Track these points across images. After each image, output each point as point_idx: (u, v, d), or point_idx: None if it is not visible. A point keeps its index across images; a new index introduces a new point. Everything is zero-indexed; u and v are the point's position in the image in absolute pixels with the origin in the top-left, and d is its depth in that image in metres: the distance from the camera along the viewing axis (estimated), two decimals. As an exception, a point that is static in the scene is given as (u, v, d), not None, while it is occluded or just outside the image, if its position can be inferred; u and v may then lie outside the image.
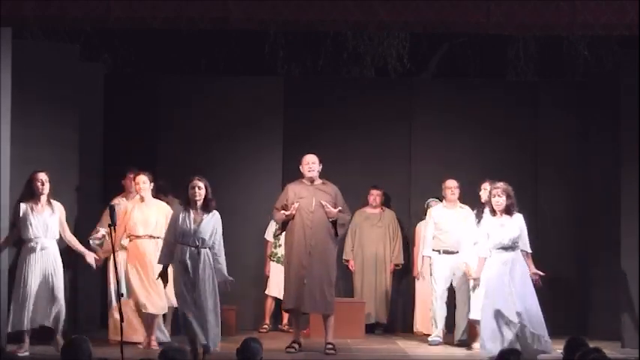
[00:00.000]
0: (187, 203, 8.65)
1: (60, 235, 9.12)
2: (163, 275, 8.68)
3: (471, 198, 10.20)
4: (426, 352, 9.61)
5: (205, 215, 8.60)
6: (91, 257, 9.19)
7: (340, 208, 9.28)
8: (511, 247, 8.72)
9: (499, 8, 8.52)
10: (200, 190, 8.60)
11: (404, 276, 11.24)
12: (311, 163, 9.39)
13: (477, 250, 9.12)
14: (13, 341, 8.96)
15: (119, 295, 7.80)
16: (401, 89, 11.84)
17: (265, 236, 11.01)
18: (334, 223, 9.29)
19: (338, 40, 13.53)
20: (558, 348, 8.00)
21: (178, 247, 8.59)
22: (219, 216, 8.71)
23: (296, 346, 9.31)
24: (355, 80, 13.07)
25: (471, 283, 9.51)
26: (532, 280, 8.79)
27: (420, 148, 11.51)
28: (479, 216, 9.33)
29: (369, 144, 11.47)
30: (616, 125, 10.18)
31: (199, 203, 8.62)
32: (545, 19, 8.56)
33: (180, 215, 8.61)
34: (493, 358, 8.43)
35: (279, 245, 10.65)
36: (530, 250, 8.89)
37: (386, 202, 11.26)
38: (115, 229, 7.99)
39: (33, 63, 9.73)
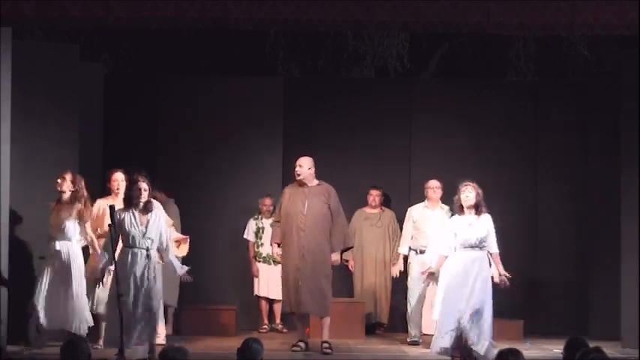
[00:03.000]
0: (129, 203, 8.36)
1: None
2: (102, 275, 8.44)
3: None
4: (426, 352, 9.59)
5: (150, 215, 8.34)
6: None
7: (339, 249, 9.31)
8: (478, 246, 8.66)
9: (499, 8, 8.52)
10: (145, 192, 8.33)
11: (404, 276, 11.21)
12: (298, 167, 9.28)
13: (437, 248, 9.05)
14: (12, 341, 8.96)
15: (119, 295, 7.80)
16: (401, 89, 11.82)
17: (245, 236, 10.94)
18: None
19: (338, 40, 13.54)
20: (558, 348, 8.01)
21: (125, 250, 8.28)
22: (159, 212, 8.54)
23: (302, 344, 9.23)
24: (355, 80, 13.08)
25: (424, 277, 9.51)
26: (499, 280, 8.73)
27: (420, 147, 11.50)
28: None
29: (369, 144, 11.46)
30: (616, 125, 10.17)
31: (142, 204, 8.33)
32: (545, 19, 8.56)
33: (125, 217, 8.31)
34: (442, 352, 8.52)
35: (262, 245, 10.72)
36: (497, 250, 8.74)
37: (385, 203, 11.23)
38: (114, 228, 7.99)
39: (33, 63, 9.71)
